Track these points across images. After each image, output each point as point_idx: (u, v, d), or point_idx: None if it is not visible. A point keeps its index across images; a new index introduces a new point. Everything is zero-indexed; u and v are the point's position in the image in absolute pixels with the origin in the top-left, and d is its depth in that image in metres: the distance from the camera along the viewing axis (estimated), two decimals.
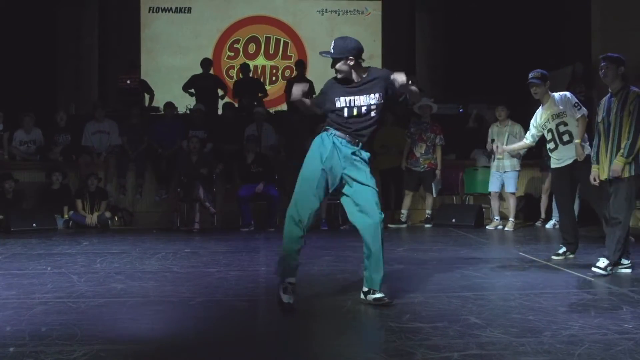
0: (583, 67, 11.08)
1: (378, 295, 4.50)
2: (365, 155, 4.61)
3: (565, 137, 6.54)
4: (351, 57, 4.52)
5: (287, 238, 4.47)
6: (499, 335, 3.68)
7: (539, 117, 6.76)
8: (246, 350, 3.57)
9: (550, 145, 6.70)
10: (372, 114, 4.58)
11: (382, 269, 4.50)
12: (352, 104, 4.56)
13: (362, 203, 4.48)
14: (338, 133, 4.56)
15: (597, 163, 5.85)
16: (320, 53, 4.72)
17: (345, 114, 4.56)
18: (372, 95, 4.56)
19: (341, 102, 4.57)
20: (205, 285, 5.27)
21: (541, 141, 9.91)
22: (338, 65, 4.55)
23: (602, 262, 5.58)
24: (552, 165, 6.75)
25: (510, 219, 9.41)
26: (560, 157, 6.61)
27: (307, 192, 4.48)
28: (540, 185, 10.26)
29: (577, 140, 6.44)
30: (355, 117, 4.56)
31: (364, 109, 4.55)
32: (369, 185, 4.52)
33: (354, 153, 4.55)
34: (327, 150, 4.51)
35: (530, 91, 6.66)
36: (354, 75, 4.59)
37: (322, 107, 4.70)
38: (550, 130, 6.65)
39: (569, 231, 6.62)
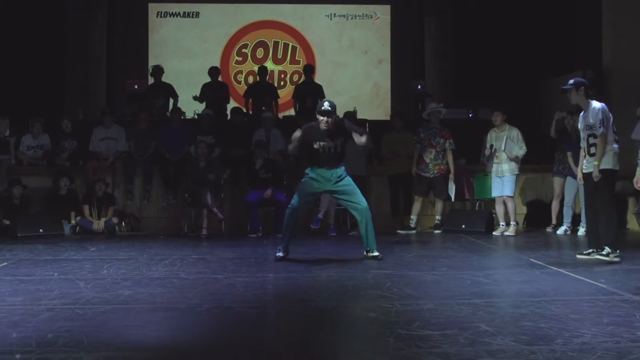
0: (594, 73, 11.00)
1: (375, 253, 6.79)
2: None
3: (592, 150, 6.69)
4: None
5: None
6: (510, 343, 3.64)
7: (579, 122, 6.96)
8: (254, 358, 3.54)
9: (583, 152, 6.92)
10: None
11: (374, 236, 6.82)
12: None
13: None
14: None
15: None
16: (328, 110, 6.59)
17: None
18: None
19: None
20: (212, 291, 5.24)
21: (552, 146, 9.92)
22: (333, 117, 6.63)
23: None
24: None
25: (511, 223, 9.33)
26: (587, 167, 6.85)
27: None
28: (549, 190, 10.18)
29: (595, 162, 6.60)
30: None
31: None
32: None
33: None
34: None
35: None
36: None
37: None
38: (584, 139, 6.83)
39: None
